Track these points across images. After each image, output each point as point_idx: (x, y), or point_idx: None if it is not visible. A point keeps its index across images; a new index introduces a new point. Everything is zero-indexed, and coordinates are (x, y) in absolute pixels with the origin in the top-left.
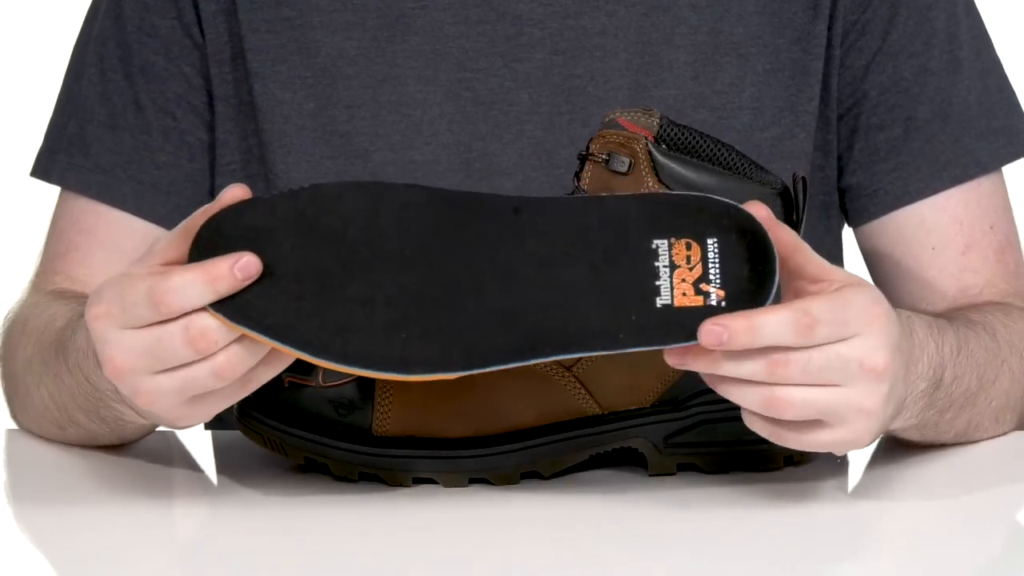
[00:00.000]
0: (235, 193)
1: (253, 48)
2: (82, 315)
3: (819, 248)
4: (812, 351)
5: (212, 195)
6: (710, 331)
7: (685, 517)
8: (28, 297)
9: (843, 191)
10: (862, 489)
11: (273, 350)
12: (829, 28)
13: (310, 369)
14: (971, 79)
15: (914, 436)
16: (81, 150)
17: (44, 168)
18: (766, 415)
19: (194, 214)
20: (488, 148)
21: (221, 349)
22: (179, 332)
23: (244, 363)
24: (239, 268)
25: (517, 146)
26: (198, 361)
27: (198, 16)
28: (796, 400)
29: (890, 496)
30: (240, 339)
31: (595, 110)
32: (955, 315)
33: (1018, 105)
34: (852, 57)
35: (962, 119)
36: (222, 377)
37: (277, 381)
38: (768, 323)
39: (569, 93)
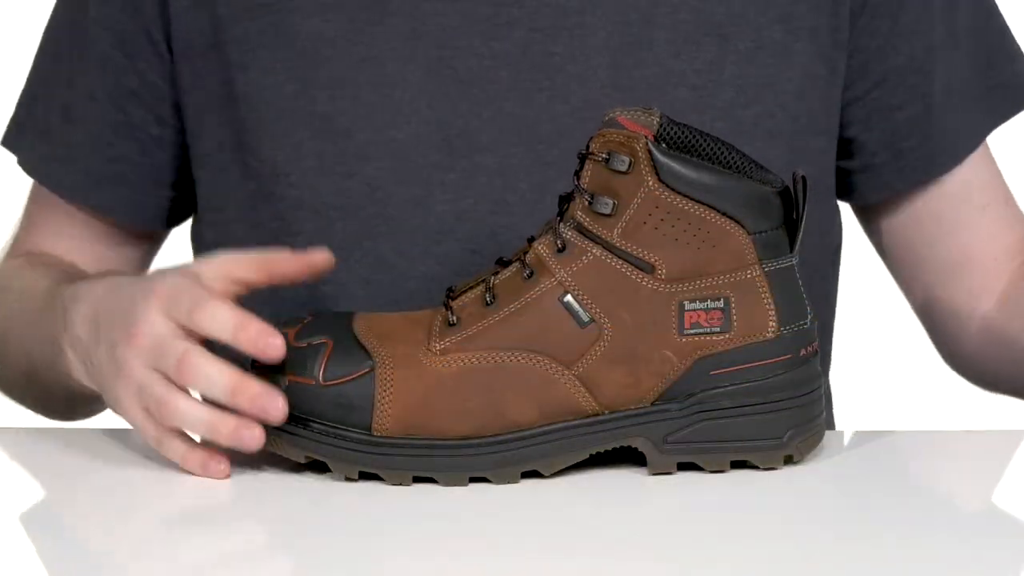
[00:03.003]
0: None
1: (234, 38)
2: (66, 279)
3: (817, 228)
4: None
5: (191, 184)
6: None
7: (685, 517)
8: (7, 260)
9: (857, 171)
10: (862, 489)
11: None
12: (836, 14)
13: (310, 369)
14: (968, 46)
15: None
16: (37, 136)
17: (12, 144)
18: None
19: (278, 259)
20: (468, 125)
21: (186, 398)
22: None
23: (191, 415)
24: (264, 342)
25: (497, 123)
26: (171, 383)
27: (164, 13)
28: None
29: (889, 496)
30: (198, 402)
31: (575, 87)
32: None
33: (1019, 51)
34: (864, 40)
35: (962, 89)
36: (165, 405)
37: (277, 381)
38: None
39: (548, 70)
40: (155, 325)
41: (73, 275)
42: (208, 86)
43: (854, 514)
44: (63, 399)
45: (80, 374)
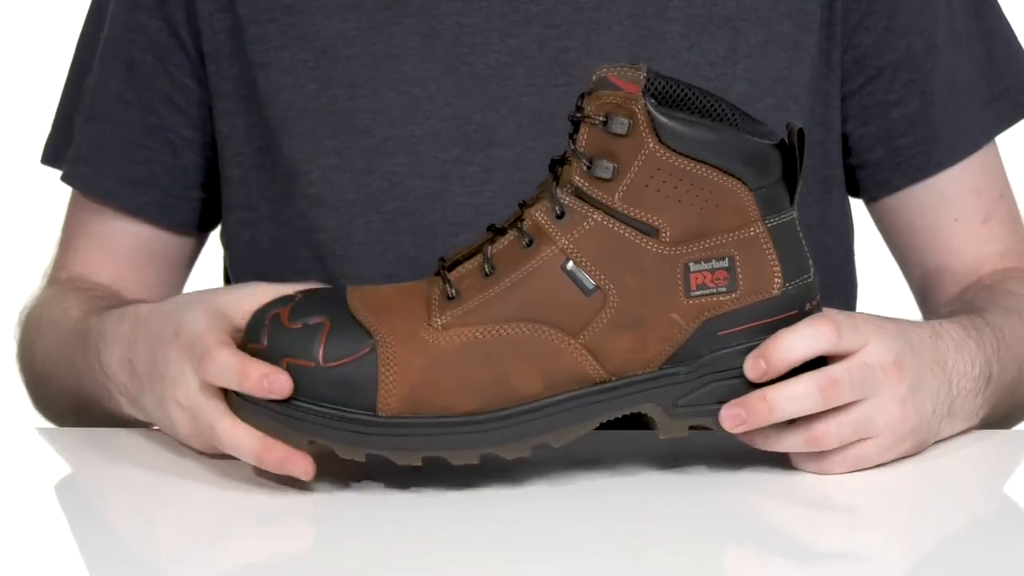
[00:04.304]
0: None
1: (255, 39)
2: (101, 307)
3: (820, 223)
4: (850, 365)
5: (219, 185)
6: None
7: (685, 517)
8: (44, 289)
9: (856, 167)
10: (862, 489)
11: None
12: (829, 7)
13: (310, 351)
14: (970, 47)
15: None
16: (70, 142)
17: (50, 158)
18: (811, 451)
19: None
20: (487, 120)
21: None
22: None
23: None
24: (269, 382)
25: (515, 117)
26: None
27: (191, 17)
28: (832, 428)
29: (890, 495)
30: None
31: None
32: (989, 305)
33: None
34: (860, 35)
35: (968, 89)
36: (212, 381)
37: (275, 364)
38: (798, 343)
39: (565, 65)
40: (186, 383)
41: (102, 298)
42: (234, 88)
43: (855, 514)
44: (116, 424)
45: (133, 411)
